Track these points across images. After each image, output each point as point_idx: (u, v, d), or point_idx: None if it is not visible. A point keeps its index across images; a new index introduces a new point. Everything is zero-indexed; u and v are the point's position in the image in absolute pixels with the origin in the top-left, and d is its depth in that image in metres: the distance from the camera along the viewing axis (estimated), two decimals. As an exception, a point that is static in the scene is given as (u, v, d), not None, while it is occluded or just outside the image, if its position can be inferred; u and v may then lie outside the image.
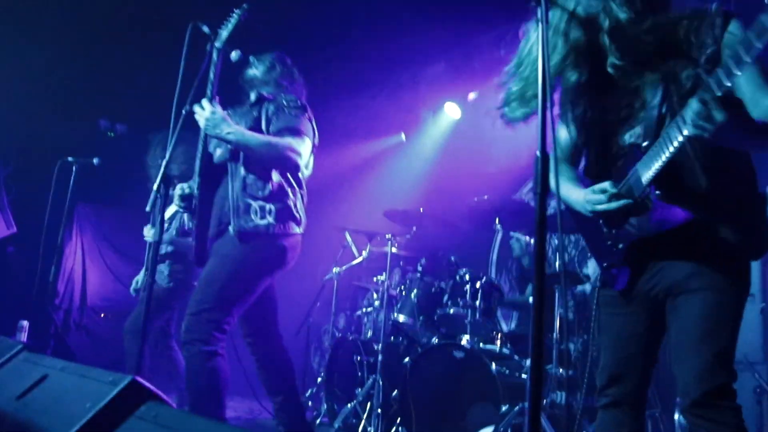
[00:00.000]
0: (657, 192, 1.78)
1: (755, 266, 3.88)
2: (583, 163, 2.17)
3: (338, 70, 6.52)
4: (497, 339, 4.28)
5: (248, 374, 3.32)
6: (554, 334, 4.14)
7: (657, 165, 1.73)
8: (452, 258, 4.43)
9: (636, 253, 1.93)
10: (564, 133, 2.12)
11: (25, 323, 4.86)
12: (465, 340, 3.87)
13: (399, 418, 3.84)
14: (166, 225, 4.35)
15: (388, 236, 4.44)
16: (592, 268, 2.20)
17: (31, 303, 4.77)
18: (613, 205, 1.85)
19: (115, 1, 5.20)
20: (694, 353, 1.81)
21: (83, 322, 5.93)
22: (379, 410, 3.91)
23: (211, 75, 2.96)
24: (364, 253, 5.07)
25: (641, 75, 1.85)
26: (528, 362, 3.63)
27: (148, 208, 2.72)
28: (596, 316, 2.10)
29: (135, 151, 4.68)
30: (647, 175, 1.76)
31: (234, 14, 3.01)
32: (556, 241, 4.51)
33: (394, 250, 4.79)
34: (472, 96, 6.16)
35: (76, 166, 4.78)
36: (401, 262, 5.51)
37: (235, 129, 2.92)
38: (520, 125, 2.06)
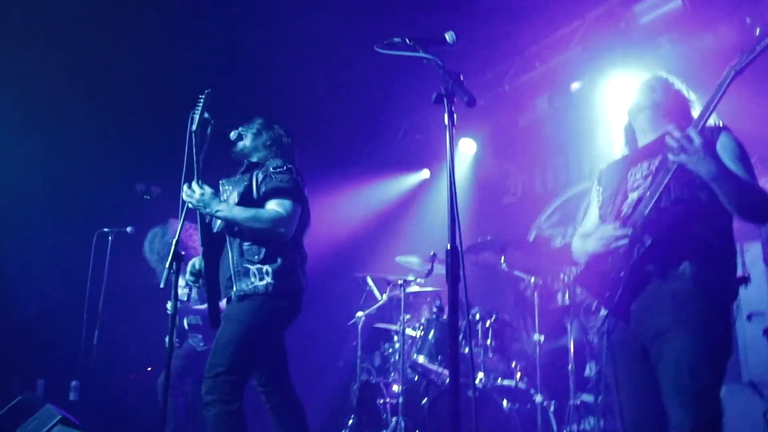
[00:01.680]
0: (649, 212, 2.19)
1: (762, 284, 3.89)
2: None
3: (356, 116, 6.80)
4: (516, 373, 4.42)
5: (266, 425, 3.52)
6: (570, 365, 4.25)
7: (651, 202, 2.17)
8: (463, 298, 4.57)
9: (632, 278, 2.22)
10: (594, 211, 2.57)
11: (76, 383, 5.27)
12: (479, 379, 4.02)
13: (421, 458, 3.99)
14: (186, 292, 4.72)
15: (399, 281, 4.63)
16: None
17: (80, 363, 5.12)
18: (619, 233, 2.24)
19: (142, 65, 5.63)
20: (679, 393, 2.05)
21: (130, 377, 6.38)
22: (402, 451, 4.07)
23: (194, 156, 3.16)
24: (384, 296, 5.26)
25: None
26: (538, 398, 3.76)
27: (162, 285, 3.00)
28: (608, 363, 2.34)
29: (171, 212, 5.03)
30: (645, 210, 2.20)
31: (201, 97, 3.20)
32: (566, 279, 4.63)
33: (416, 288, 5.00)
34: (575, 86, 5.88)
35: (111, 236, 5.17)
36: (428, 299, 5.69)
37: (223, 207, 3.16)
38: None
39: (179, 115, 3.29)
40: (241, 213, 3.16)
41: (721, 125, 2.29)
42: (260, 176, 3.28)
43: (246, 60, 5.61)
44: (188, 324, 4.75)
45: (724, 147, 2.20)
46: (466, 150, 6.97)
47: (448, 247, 1.42)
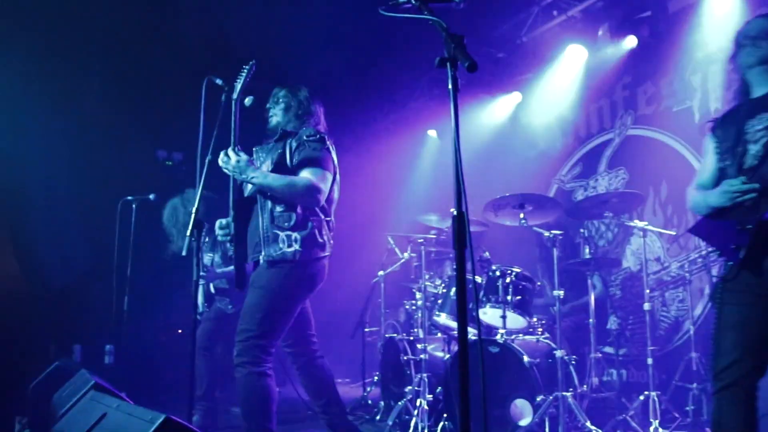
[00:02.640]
0: None
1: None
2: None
3: (371, 76, 6.74)
4: (538, 328, 4.46)
5: (295, 383, 3.63)
6: (591, 319, 4.28)
7: None
8: (485, 254, 4.60)
9: (763, 230, 2.23)
10: (710, 163, 2.54)
11: (111, 347, 5.47)
12: (500, 335, 4.06)
13: (445, 414, 4.08)
14: (210, 257, 4.82)
15: (420, 240, 4.65)
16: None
17: (112, 329, 5.30)
18: (745, 187, 2.25)
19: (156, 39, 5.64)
20: None
21: (161, 340, 6.59)
22: (426, 407, 4.16)
23: (232, 124, 3.24)
24: (406, 255, 5.31)
25: None
26: (559, 352, 3.80)
27: (184, 253, 3.07)
28: (719, 308, 2.36)
29: (193, 177, 5.12)
30: None
31: (244, 68, 3.27)
32: (586, 233, 4.60)
33: (433, 249, 5.04)
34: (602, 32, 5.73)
35: (135, 204, 5.27)
36: (451, 255, 5.73)
37: (258, 173, 3.21)
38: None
39: (198, 81, 3.31)
40: (275, 180, 3.21)
41: None
42: (294, 144, 3.33)
43: (261, 24, 5.56)
44: (215, 288, 4.87)
45: None
46: (484, 104, 6.90)
47: (454, 213, 1.42)
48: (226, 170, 3.23)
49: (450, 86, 1.55)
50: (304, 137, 3.32)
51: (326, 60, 5.96)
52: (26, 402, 3.88)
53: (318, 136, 3.35)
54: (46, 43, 5.54)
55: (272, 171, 3.28)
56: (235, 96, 3.26)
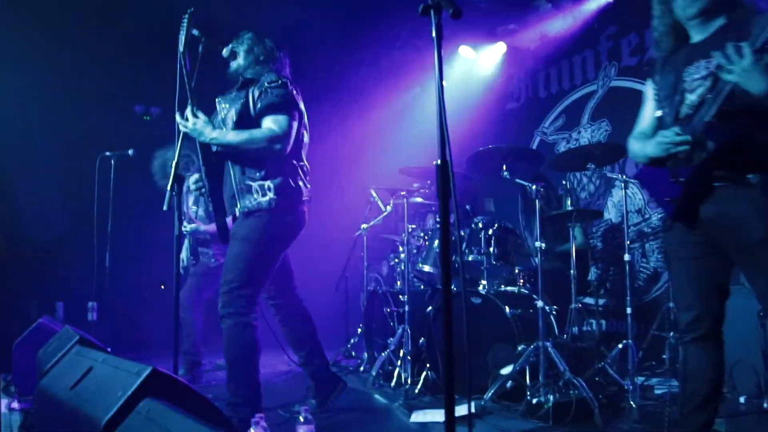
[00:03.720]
0: (714, 119, 2.13)
1: None
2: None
3: (351, 29, 6.61)
4: (519, 279, 4.51)
5: (277, 336, 3.66)
6: (572, 271, 4.33)
7: (713, 108, 2.12)
8: (467, 207, 4.62)
9: (694, 181, 2.24)
10: (650, 110, 2.50)
11: (93, 304, 5.45)
12: (482, 286, 4.11)
13: (427, 364, 4.15)
14: (194, 211, 4.79)
15: (403, 192, 4.65)
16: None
17: (95, 285, 5.28)
18: (678, 139, 2.23)
19: None
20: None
21: (144, 296, 6.59)
22: (409, 357, 4.23)
23: (186, 80, 3.13)
24: (389, 208, 5.31)
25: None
26: (540, 303, 3.85)
27: (165, 208, 3.04)
28: (666, 263, 2.43)
29: (171, 131, 5.03)
30: (707, 116, 2.15)
31: (184, 18, 3.13)
32: (568, 185, 4.62)
33: (419, 200, 5.04)
34: None
35: (114, 159, 5.19)
36: (433, 208, 5.73)
37: (216, 133, 3.16)
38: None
39: (172, 33, 3.21)
40: (235, 137, 3.17)
41: None
42: (256, 92, 3.27)
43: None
44: (197, 240, 4.84)
45: None
46: (467, 55, 6.81)
47: (438, 163, 1.41)
48: (185, 131, 3.18)
49: (434, 34, 1.52)
50: (266, 84, 3.26)
51: (305, 10, 5.83)
52: (10, 360, 3.88)
53: (280, 81, 3.27)
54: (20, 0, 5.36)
55: (236, 121, 3.23)
56: (181, 49, 3.11)
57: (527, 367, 3.72)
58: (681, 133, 2.24)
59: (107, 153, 5.21)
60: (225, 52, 3.36)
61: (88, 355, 2.62)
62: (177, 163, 3.05)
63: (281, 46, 3.45)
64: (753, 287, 2.28)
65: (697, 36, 2.39)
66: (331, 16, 6.26)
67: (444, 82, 1.55)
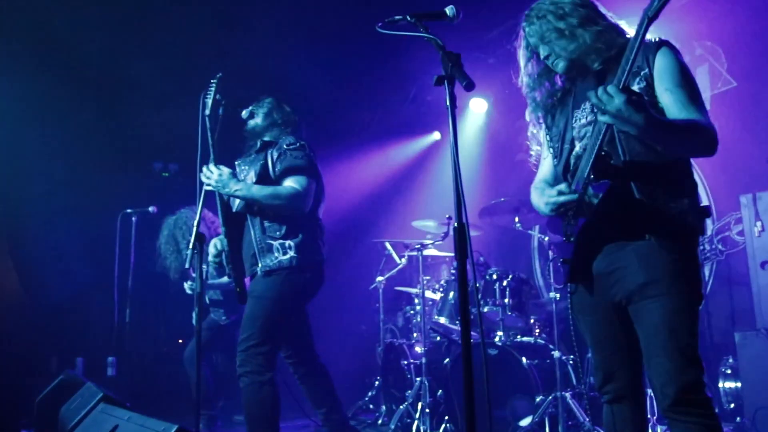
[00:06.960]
0: (591, 176, 1.94)
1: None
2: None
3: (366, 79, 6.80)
4: (536, 329, 4.53)
5: (295, 394, 3.69)
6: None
7: (591, 159, 1.93)
8: (481, 258, 4.67)
9: (583, 239, 2.05)
10: (548, 164, 2.33)
11: (113, 359, 5.50)
12: (498, 337, 4.14)
13: (446, 416, 4.14)
14: (205, 270, 4.87)
15: (417, 245, 4.72)
16: None
17: (114, 340, 5.34)
18: (561, 199, 2.02)
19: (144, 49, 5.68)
20: (662, 356, 1.93)
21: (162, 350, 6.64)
22: (428, 409, 4.22)
23: (209, 139, 3.28)
24: (403, 260, 5.38)
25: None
26: (557, 353, 3.86)
27: (187, 266, 3.13)
28: (573, 324, 2.34)
29: (189, 188, 5.16)
30: (587, 169, 1.95)
31: (212, 82, 3.31)
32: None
33: (434, 252, 5.11)
34: None
35: (135, 217, 5.32)
36: (447, 260, 5.79)
37: (241, 185, 3.26)
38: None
39: (189, 92, 3.37)
40: (259, 191, 3.26)
41: (658, 39, 2.03)
42: (275, 154, 3.39)
43: (248, 36, 5.61)
44: (209, 299, 4.90)
45: (663, 70, 1.98)
46: (477, 109, 6.96)
47: (455, 225, 1.49)
48: (208, 185, 3.28)
49: (448, 103, 1.62)
50: (285, 146, 3.39)
51: (317, 66, 6.02)
52: (32, 416, 3.92)
53: (298, 144, 3.41)
54: (42, 59, 5.58)
55: (256, 182, 3.33)
56: (207, 112, 3.29)
57: (546, 418, 3.72)
58: (565, 191, 2.03)
59: (128, 210, 5.34)
60: (244, 113, 3.52)
61: (113, 413, 2.68)
62: (198, 222, 3.15)
63: (296, 111, 3.60)
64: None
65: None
66: (342, 74, 6.45)
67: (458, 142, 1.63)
